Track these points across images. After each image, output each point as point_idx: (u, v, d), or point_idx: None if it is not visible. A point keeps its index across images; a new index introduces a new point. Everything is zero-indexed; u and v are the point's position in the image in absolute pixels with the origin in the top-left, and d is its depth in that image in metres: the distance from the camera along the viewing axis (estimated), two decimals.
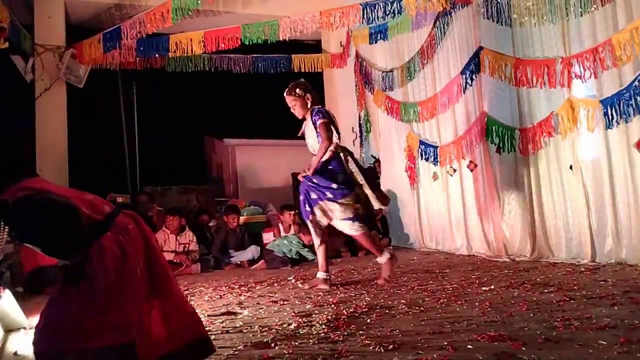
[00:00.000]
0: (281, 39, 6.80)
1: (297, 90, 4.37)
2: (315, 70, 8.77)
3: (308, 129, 4.41)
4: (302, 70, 8.51)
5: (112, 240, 1.78)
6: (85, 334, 1.66)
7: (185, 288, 4.72)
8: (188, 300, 2.04)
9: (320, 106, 4.41)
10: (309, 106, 4.36)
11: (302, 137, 4.54)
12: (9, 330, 3.22)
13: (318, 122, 4.25)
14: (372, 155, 8.36)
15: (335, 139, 4.33)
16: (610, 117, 4.38)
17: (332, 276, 4.72)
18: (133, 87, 9.73)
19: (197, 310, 3.55)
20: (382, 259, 4.32)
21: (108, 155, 10.10)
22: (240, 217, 7.07)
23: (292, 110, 4.43)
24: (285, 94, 4.43)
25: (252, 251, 6.49)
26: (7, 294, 3.38)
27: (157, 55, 7.57)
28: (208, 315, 3.40)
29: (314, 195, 4.27)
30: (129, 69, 8.05)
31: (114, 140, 9.83)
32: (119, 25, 6.68)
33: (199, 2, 6.04)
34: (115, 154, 9.81)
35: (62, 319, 1.70)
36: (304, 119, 4.46)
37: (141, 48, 7.16)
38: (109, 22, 7.58)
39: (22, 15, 6.86)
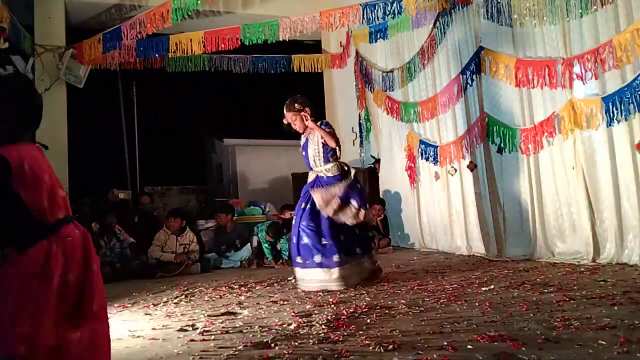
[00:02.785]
0: (281, 39, 6.80)
1: (296, 105, 4.37)
2: (315, 71, 8.77)
3: (311, 140, 4.38)
4: (302, 70, 8.51)
5: (41, 251, 1.72)
6: None
7: (185, 288, 4.72)
8: (109, 335, 1.95)
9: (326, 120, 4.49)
10: (307, 121, 4.36)
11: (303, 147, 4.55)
12: None
13: (327, 130, 4.30)
14: (371, 156, 8.36)
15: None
16: (611, 114, 4.38)
17: None
18: (133, 87, 9.73)
19: (197, 310, 3.57)
20: None
21: (108, 155, 10.10)
22: (237, 217, 7.12)
23: (292, 125, 4.42)
24: (284, 111, 4.42)
25: (245, 252, 6.51)
26: None
27: (157, 56, 7.57)
28: (208, 316, 3.39)
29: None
30: (129, 69, 8.05)
31: (114, 141, 9.83)
32: (119, 26, 6.68)
33: (199, 2, 6.04)
34: (115, 154, 9.82)
35: None
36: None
37: (141, 48, 7.16)
38: (109, 23, 7.58)
39: (22, 16, 6.86)
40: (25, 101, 1.89)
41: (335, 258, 4.11)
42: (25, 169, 1.71)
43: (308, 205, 4.26)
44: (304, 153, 4.46)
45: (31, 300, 1.69)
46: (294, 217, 4.41)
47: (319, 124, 4.35)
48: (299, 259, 4.23)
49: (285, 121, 4.41)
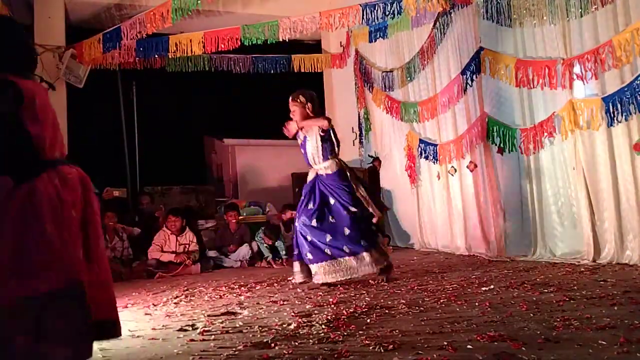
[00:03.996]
0: (281, 39, 6.79)
1: (301, 97, 4.42)
2: (315, 71, 8.77)
3: (310, 138, 4.41)
4: (302, 70, 8.50)
5: (47, 183, 1.70)
6: (24, 280, 1.58)
7: (185, 288, 4.72)
8: (111, 278, 1.94)
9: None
10: (309, 115, 4.38)
11: (295, 141, 4.56)
12: None
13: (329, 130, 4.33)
14: (369, 155, 8.36)
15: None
16: (612, 115, 4.38)
17: None
18: (133, 87, 9.72)
19: (197, 310, 3.57)
20: None
21: (108, 155, 10.10)
22: (240, 217, 7.11)
23: (291, 115, 4.46)
24: (290, 99, 4.47)
25: (243, 252, 6.49)
26: None
27: (156, 56, 7.57)
28: (208, 315, 3.39)
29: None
30: (129, 69, 8.04)
31: (114, 141, 9.82)
32: (119, 26, 6.67)
33: (199, 2, 6.03)
34: (115, 154, 9.81)
35: None
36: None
37: (141, 48, 7.15)
38: (109, 22, 7.57)
39: (22, 15, 6.86)
40: (22, 43, 1.89)
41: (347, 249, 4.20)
42: (36, 103, 1.71)
43: (314, 206, 4.32)
44: (302, 151, 4.50)
45: (68, 231, 1.70)
46: (298, 216, 4.43)
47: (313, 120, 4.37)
48: (309, 255, 4.27)
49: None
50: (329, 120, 4.38)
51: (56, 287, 1.62)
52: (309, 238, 4.27)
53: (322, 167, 4.37)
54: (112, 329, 1.91)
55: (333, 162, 4.36)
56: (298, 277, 4.38)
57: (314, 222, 4.27)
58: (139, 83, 9.71)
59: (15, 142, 1.67)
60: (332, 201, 4.31)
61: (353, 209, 4.25)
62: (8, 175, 1.68)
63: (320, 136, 4.34)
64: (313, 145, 4.38)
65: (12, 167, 1.69)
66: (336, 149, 4.41)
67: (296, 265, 4.39)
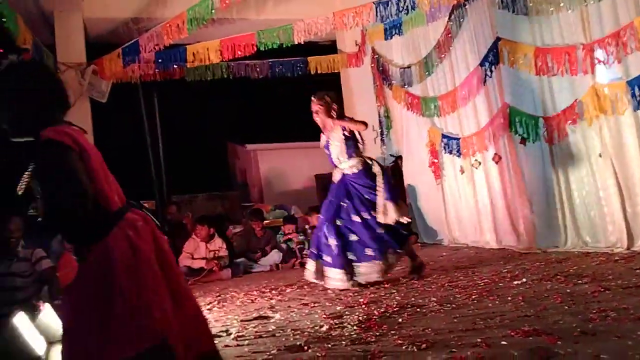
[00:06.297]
0: (296, 42, 6.82)
1: (326, 97, 4.48)
2: (332, 71, 8.77)
3: (333, 139, 4.46)
4: (319, 71, 8.51)
5: (120, 237, 1.64)
6: (113, 345, 1.53)
7: (217, 294, 4.79)
8: (202, 309, 1.90)
9: None
10: (333, 116, 4.40)
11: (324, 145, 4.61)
12: (51, 342, 3.34)
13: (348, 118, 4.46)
14: (390, 155, 8.33)
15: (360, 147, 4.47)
16: (638, 98, 4.28)
17: None
18: (154, 99, 9.87)
19: (230, 316, 3.62)
20: None
21: (134, 167, 10.27)
22: (265, 221, 7.19)
23: (314, 115, 4.49)
24: (313, 97, 4.51)
25: (274, 257, 6.54)
26: (47, 307, 3.52)
27: (175, 66, 7.67)
28: (241, 321, 3.44)
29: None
30: (150, 81, 8.17)
31: (140, 152, 9.99)
32: (137, 39, 6.79)
33: (213, 11, 6.11)
34: (141, 165, 9.98)
35: (84, 335, 1.56)
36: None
37: (160, 60, 7.27)
38: (127, 36, 7.71)
39: (43, 35, 7.02)
40: (50, 83, 1.88)
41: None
42: (91, 158, 1.66)
43: (340, 204, 4.35)
44: (327, 152, 4.55)
45: (147, 284, 1.63)
46: (323, 215, 4.45)
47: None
48: (351, 256, 4.27)
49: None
50: (366, 125, 4.46)
51: (136, 352, 1.55)
52: (330, 241, 4.26)
53: (347, 166, 4.40)
54: (215, 359, 1.91)
55: (358, 160, 4.40)
56: (310, 276, 4.39)
57: (338, 222, 4.29)
58: (160, 94, 9.86)
59: (86, 201, 1.60)
60: (356, 201, 4.32)
61: (365, 215, 4.26)
62: (84, 237, 1.64)
63: (345, 136, 4.37)
64: (337, 146, 4.43)
65: (86, 229, 1.64)
66: (360, 147, 4.45)
67: (311, 264, 4.39)
